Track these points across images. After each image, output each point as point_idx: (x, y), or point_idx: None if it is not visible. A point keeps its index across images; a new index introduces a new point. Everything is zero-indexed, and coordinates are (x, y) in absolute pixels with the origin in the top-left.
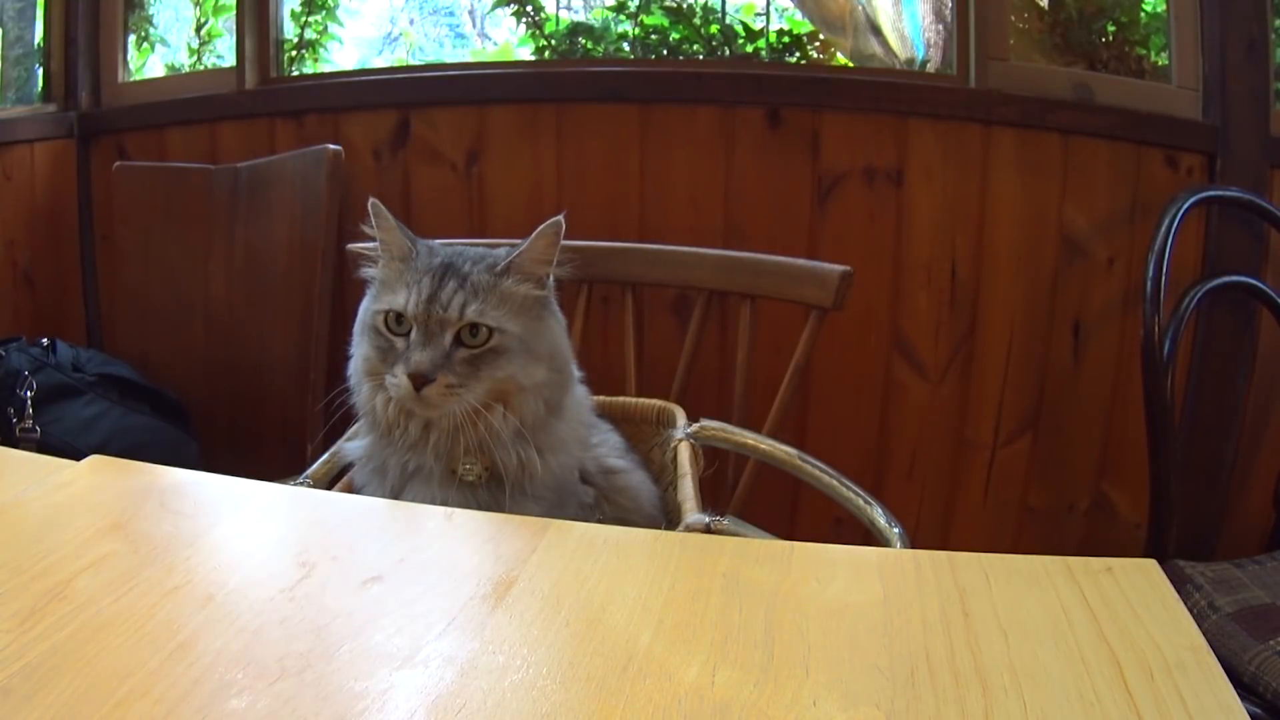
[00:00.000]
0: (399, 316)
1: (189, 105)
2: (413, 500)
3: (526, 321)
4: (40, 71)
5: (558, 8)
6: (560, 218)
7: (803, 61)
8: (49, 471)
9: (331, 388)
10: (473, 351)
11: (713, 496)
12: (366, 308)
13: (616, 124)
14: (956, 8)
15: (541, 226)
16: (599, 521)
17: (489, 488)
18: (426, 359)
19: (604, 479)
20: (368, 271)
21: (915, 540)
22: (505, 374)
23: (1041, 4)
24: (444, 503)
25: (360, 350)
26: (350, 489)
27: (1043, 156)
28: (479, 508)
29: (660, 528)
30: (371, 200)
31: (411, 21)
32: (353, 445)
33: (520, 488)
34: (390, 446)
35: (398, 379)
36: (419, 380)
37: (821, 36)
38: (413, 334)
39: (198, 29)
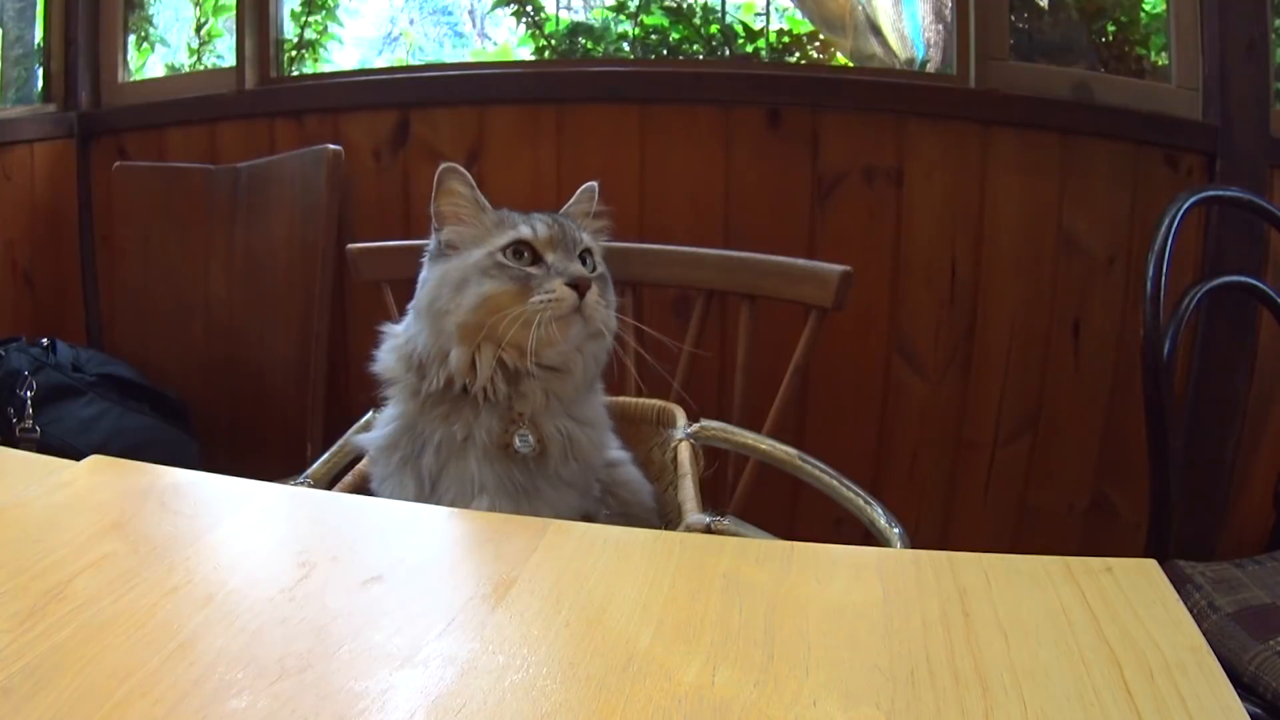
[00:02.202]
0: (522, 247)
1: (189, 105)
2: (449, 481)
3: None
4: (40, 71)
5: (558, 8)
6: (594, 183)
7: (803, 61)
8: (49, 471)
9: (332, 387)
10: (591, 275)
11: (713, 496)
12: (460, 263)
13: (616, 124)
14: (956, 8)
15: (580, 189)
16: (605, 516)
17: (526, 467)
18: (579, 268)
19: (606, 472)
20: (444, 236)
21: (915, 540)
22: (608, 301)
23: (1041, 4)
24: (480, 483)
25: (473, 295)
26: (356, 484)
27: (1042, 156)
28: (514, 487)
29: (659, 521)
30: (448, 165)
31: (411, 21)
32: (370, 437)
33: (563, 462)
34: (448, 414)
35: (555, 292)
36: (584, 285)
37: (821, 36)
38: (551, 256)
39: (198, 29)
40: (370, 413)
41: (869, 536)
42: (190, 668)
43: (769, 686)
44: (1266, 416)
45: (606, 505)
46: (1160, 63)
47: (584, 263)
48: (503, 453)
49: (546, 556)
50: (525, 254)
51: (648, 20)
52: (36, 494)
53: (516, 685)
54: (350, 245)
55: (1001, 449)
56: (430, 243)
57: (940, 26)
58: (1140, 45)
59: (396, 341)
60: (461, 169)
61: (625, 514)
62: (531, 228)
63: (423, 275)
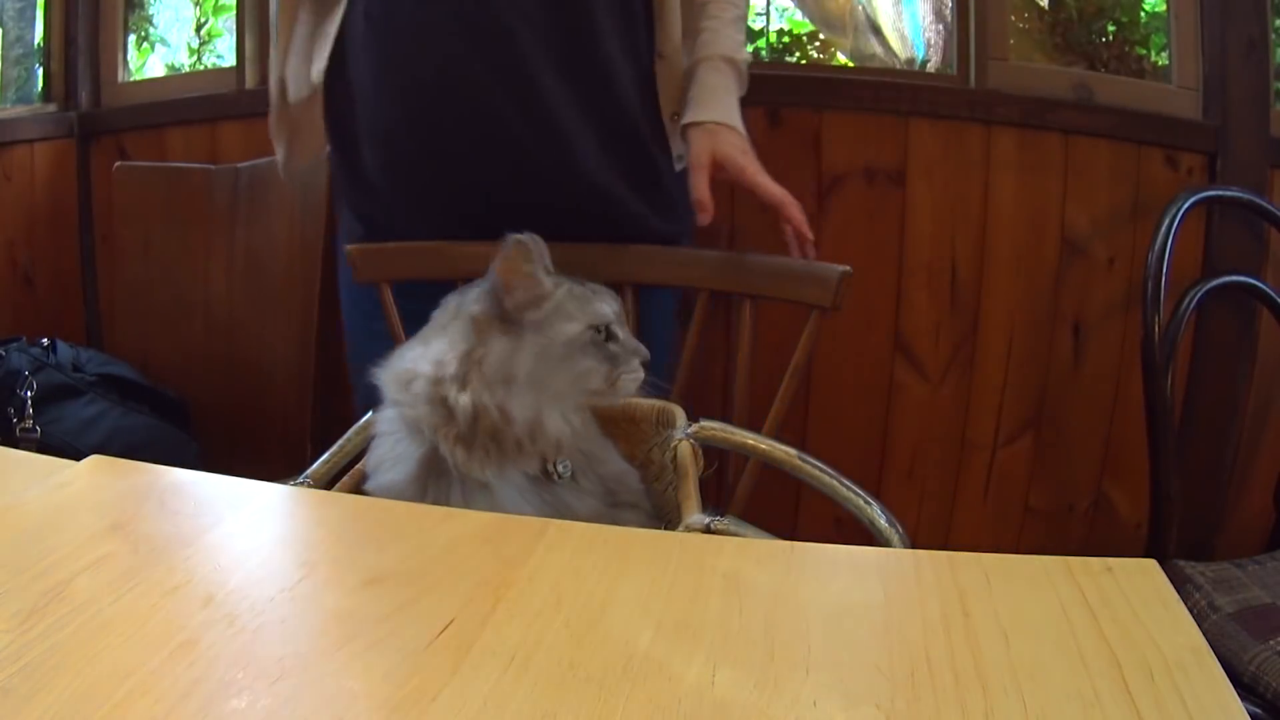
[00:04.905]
0: (603, 324)
1: (189, 105)
2: (479, 509)
3: None
4: (40, 71)
5: None
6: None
7: (803, 61)
8: (49, 471)
9: (332, 387)
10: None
11: (713, 496)
12: (554, 337)
13: None
14: (956, 8)
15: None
16: (600, 512)
17: (553, 489)
18: (643, 347)
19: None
20: (519, 307)
21: (915, 540)
22: None
23: (1041, 4)
24: (517, 510)
25: (573, 371)
26: (356, 484)
27: (1043, 156)
28: (548, 510)
29: (646, 501)
30: (519, 239)
31: None
32: (390, 479)
33: (583, 477)
34: (480, 451)
35: (636, 371)
36: (647, 363)
37: (821, 36)
38: (620, 333)
39: (198, 29)
40: (369, 413)
41: (869, 536)
42: (190, 668)
43: (769, 687)
44: (1266, 416)
45: (603, 501)
46: (1160, 63)
47: None
48: (532, 480)
49: (546, 556)
50: (603, 330)
51: None
52: (36, 494)
53: (516, 685)
54: (350, 245)
55: (1002, 449)
56: (488, 301)
57: (940, 26)
58: (1140, 45)
59: (425, 385)
60: (530, 244)
61: (617, 503)
62: (609, 307)
63: (494, 342)
